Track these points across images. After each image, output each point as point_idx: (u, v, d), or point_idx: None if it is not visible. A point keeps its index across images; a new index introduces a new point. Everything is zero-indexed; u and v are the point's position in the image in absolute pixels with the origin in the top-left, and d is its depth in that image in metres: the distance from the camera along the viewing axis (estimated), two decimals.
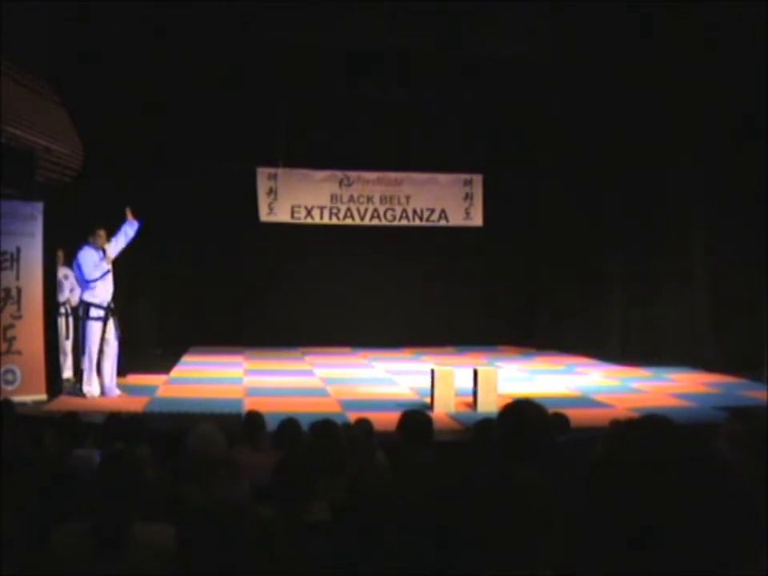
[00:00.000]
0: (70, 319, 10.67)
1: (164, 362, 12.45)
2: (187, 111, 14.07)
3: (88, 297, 9.63)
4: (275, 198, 15.25)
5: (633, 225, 14.30)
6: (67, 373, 10.45)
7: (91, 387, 9.52)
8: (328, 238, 15.36)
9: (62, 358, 10.21)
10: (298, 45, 12.32)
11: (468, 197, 15.75)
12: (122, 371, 10.07)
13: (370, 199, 15.57)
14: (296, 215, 15.37)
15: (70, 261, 10.20)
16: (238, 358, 13.42)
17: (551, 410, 3.96)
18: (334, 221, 15.50)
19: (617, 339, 14.52)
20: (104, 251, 9.69)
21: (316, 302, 15.43)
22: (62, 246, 10.32)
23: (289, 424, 5.29)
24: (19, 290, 9.11)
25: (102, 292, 9.66)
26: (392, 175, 15.57)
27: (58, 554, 3.10)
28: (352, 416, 7.48)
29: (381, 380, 11.57)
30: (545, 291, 16.05)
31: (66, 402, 8.94)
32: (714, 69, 11.61)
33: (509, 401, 3.47)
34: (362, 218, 15.57)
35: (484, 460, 3.76)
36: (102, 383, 9.61)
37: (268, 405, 8.28)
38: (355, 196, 15.55)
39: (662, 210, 13.82)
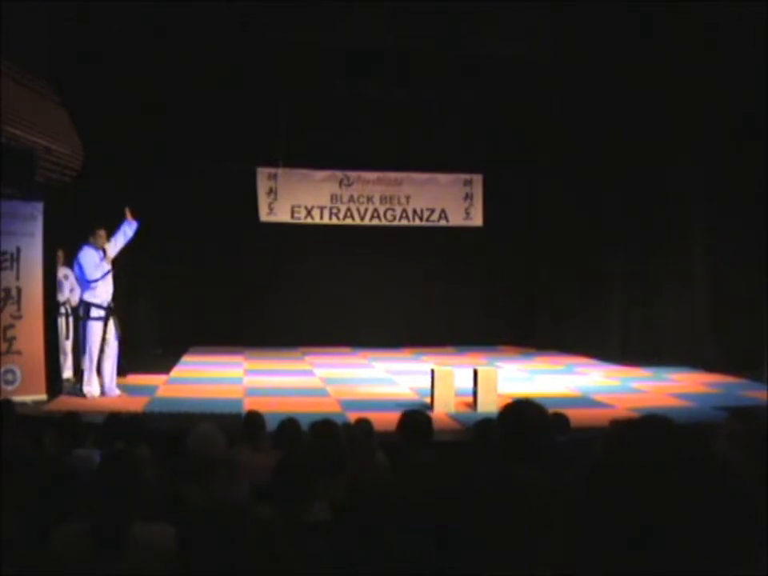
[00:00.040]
0: (70, 319, 10.67)
1: (164, 362, 12.46)
2: (187, 111, 14.07)
3: (89, 297, 9.63)
4: (275, 198, 15.25)
5: (633, 225, 14.30)
6: (67, 373, 10.45)
7: (91, 387, 9.52)
8: (328, 238, 15.36)
9: (62, 357, 10.21)
10: (298, 45, 12.32)
11: (468, 197, 15.75)
12: (121, 371, 10.08)
13: (369, 199, 15.57)
14: (296, 215, 15.37)
15: (70, 261, 10.21)
16: (237, 358, 13.42)
17: (551, 410, 3.96)
18: (334, 221, 15.50)
19: (617, 339, 14.52)
20: (104, 251, 9.70)
21: (316, 302, 15.43)
22: (62, 246, 10.32)
23: (289, 424, 5.29)
24: (19, 290, 9.11)
25: (103, 292, 9.67)
26: (392, 175, 15.57)
27: (58, 554, 3.10)
28: (352, 416, 7.48)
29: (381, 380, 11.57)
30: (545, 291, 16.05)
31: (65, 402, 8.94)
32: (714, 69, 11.61)
33: (509, 401, 3.47)
34: (362, 218, 15.57)
35: (484, 460, 3.76)
36: (102, 383, 9.62)
37: (268, 405, 8.28)
38: (355, 196, 15.55)
39: (662, 210, 13.82)
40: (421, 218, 15.74)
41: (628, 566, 1.09)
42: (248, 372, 11.98)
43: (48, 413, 8.13)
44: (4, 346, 8.94)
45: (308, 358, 13.84)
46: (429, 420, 5.11)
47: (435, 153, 15.27)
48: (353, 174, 15.51)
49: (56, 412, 7.64)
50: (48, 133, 9.76)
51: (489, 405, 8.64)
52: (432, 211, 15.71)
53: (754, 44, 10.52)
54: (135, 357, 11.47)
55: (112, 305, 9.76)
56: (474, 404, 8.99)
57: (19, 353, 9.04)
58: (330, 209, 15.48)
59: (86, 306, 9.63)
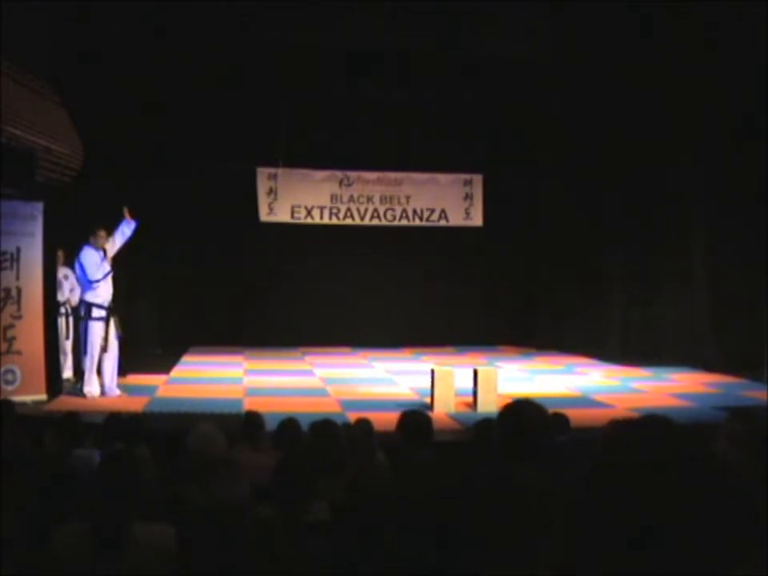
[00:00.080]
0: (70, 319, 10.67)
1: (164, 362, 12.45)
2: (187, 111, 14.07)
3: (90, 297, 9.63)
4: (275, 198, 15.25)
5: (633, 225, 14.30)
6: (67, 373, 10.45)
7: (91, 387, 9.53)
8: (328, 238, 15.36)
9: (62, 357, 10.21)
10: (298, 45, 12.31)
11: (468, 197, 15.75)
12: (121, 371, 10.08)
13: (370, 199, 15.57)
14: (296, 215, 15.37)
15: (70, 261, 10.21)
16: (238, 358, 13.42)
17: (551, 410, 3.97)
18: (334, 221, 15.50)
19: (617, 339, 14.52)
20: (105, 251, 9.71)
21: (316, 302, 15.44)
22: (62, 246, 10.32)
23: (289, 424, 5.29)
24: (19, 290, 9.11)
25: (104, 292, 9.68)
26: (392, 175, 15.57)
27: (58, 554, 3.10)
28: (352, 416, 7.48)
29: (381, 380, 11.57)
30: (545, 291, 16.05)
31: (66, 402, 8.94)
32: (714, 69, 11.61)
33: (509, 401, 3.47)
34: (362, 218, 15.57)
35: (484, 460, 3.76)
36: (102, 383, 9.62)
37: (268, 405, 8.29)
38: (355, 196, 15.56)
39: (662, 210, 13.82)
40: (421, 218, 15.74)
41: (628, 566, 1.09)
42: (248, 372, 11.98)
43: (48, 413, 8.12)
44: (4, 346, 8.94)
45: (308, 358, 13.84)
46: (429, 420, 5.11)
47: (435, 153, 15.27)
48: (353, 174, 15.51)
49: (56, 412, 7.64)
50: (48, 133, 9.76)
51: (489, 405, 8.64)
52: (432, 211, 15.71)
53: (754, 44, 10.52)
54: (135, 357, 11.47)
55: (112, 305, 9.77)
56: (474, 404, 8.99)
57: (19, 353, 9.04)
58: (330, 209, 15.49)
59: (88, 306, 9.64)
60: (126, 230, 9.99)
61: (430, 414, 6.09)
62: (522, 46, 12.42)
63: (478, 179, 15.71)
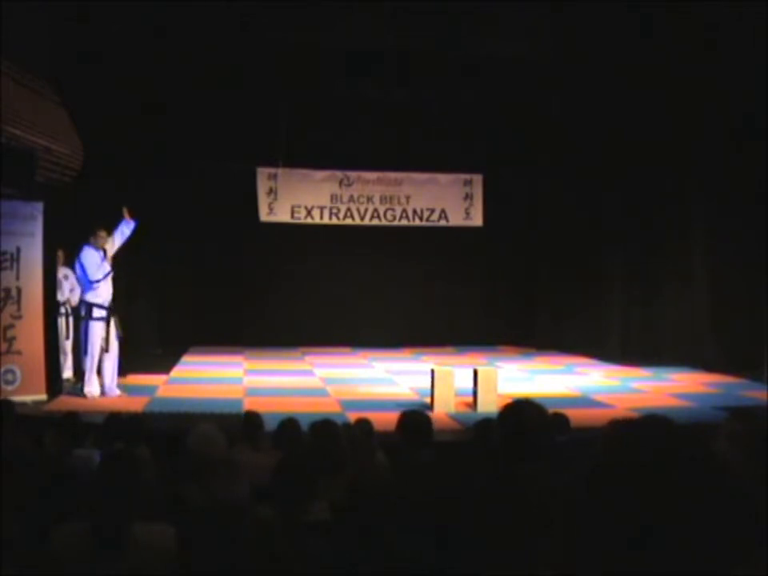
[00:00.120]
0: (70, 319, 10.67)
1: (164, 362, 12.46)
2: (187, 111, 14.07)
3: (91, 297, 9.63)
4: (275, 198, 15.25)
5: (633, 225, 14.30)
6: (67, 373, 10.45)
7: (92, 387, 9.53)
8: (328, 238, 15.36)
9: (62, 357, 10.21)
10: (298, 45, 12.31)
11: (468, 197, 15.75)
12: (121, 371, 10.08)
13: (370, 199, 15.57)
14: (296, 215, 15.37)
15: (70, 261, 10.21)
16: (238, 358, 13.42)
17: (551, 410, 3.96)
18: (334, 221, 15.51)
19: (617, 339, 14.52)
20: (105, 251, 9.72)
21: (316, 302, 15.44)
22: (62, 246, 10.32)
23: (289, 424, 5.29)
24: (19, 290, 9.11)
25: (104, 292, 9.69)
26: (392, 175, 15.57)
27: (58, 554, 3.09)
28: (352, 416, 7.48)
29: (381, 380, 11.57)
30: (545, 291, 16.05)
31: (66, 402, 8.94)
32: (714, 69, 11.61)
33: (509, 401, 3.47)
34: (362, 218, 15.57)
35: (484, 460, 3.75)
36: (103, 383, 9.62)
37: (268, 405, 8.29)
38: (355, 196, 15.56)
39: (662, 210, 13.82)
40: (421, 218, 15.74)
41: (628, 566, 1.09)
42: (248, 372, 11.98)
43: (48, 413, 8.12)
44: (4, 346, 8.94)
45: (308, 358, 13.84)
46: (429, 420, 5.11)
47: (435, 153, 15.27)
48: (353, 174, 15.51)
49: (56, 412, 7.64)
50: (48, 133, 9.76)
51: (489, 405, 8.64)
52: (432, 211, 15.71)
53: (754, 44, 10.52)
54: (135, 357, 11.47)
55: (112, 305, 9.77)
56: (474, 404, 8.99)
57: (19, 353, 9.04)
58: (330, 209, 15.49)
59: (88, 306, 9.64)
60: (125, 230, 10.00)
61: (429, 414, 6.09)
62: (522, 46, 12.42)
63: (477, 179, 15.71)
